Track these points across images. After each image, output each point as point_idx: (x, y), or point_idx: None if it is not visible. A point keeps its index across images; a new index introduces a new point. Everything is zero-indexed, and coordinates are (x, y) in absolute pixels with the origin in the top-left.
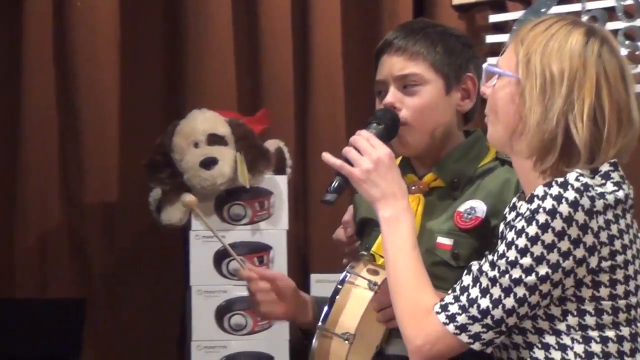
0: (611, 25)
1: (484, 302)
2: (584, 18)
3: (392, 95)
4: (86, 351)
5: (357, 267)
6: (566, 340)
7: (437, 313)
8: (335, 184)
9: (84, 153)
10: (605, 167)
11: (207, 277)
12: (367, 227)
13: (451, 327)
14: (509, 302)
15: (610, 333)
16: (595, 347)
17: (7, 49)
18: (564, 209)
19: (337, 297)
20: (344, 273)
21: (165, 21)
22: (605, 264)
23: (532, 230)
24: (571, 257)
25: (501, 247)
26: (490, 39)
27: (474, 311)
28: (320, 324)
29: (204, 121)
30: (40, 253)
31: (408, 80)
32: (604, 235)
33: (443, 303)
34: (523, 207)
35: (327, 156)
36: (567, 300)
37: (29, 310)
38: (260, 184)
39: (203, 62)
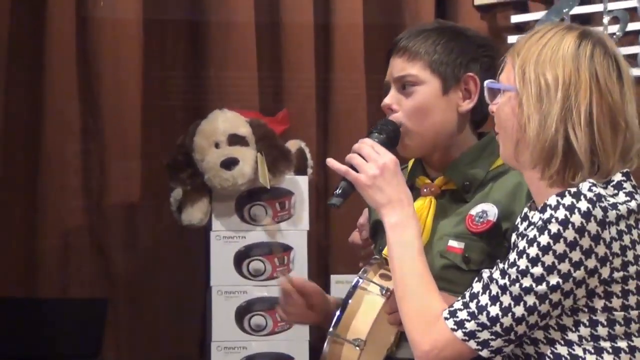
0: (633, 26)
1: (494, 310)
2: (606, 19)
3: (390, 97)
4: (107, 351)
5: (370, 273)
6: (578, 351)
7: (446, 319)
8: (340, 189)
9: (105, 154)
10: (617, 177)
11: (228, 277)
12: (381, 229)
13: (460, 333)
14: (519, 310)
15: (623, 344)
16: (607, 358)
17: (30, 50)
18: (576, 219)
19: (350, 301)
20: (356, 278)
21: (187, 22)
22: (617, 275)
23: (544, 239)
24: (582, 268)
25: (512, 256)
26: (512, 39)
27: (483, 318)
28: (331, 329)
29: (225, 121)
30: (62, 253)
31: (405, 81)
32: (616, 246)
33: (452, 309)
34: (535, 216)
35: (331, 162)
36: (579, 310)
37: (51, 311)
38: (281, 184)
39: (225, 62)
